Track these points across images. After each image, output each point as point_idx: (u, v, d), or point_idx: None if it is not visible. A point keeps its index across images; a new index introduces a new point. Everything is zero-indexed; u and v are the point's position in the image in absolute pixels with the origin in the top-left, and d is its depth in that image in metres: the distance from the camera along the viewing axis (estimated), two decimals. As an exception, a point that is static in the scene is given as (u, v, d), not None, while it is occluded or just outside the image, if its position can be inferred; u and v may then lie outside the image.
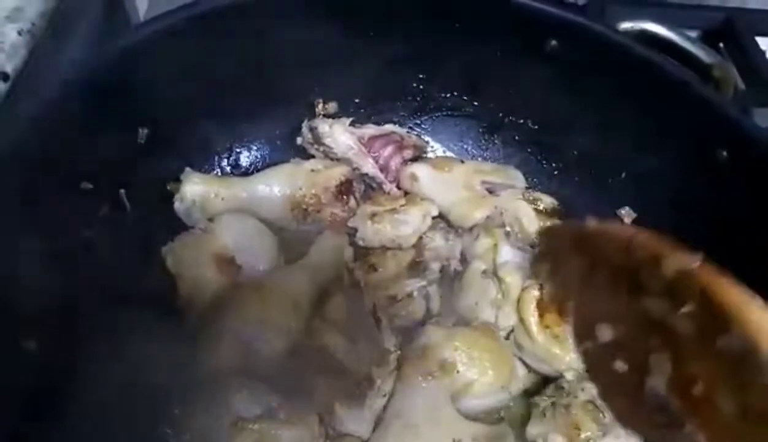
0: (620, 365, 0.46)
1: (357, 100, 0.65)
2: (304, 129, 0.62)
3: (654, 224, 0.57)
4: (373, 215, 0.59)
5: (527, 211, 0.58)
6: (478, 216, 0.60)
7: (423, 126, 0.68)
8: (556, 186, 0.65)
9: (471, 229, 0.60)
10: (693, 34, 0.85)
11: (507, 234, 0.58)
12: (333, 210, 0.60)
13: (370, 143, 0.62)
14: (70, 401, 0.45)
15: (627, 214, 0.60)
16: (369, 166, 0.62)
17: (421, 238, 0.60)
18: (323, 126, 0.61)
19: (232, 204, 0.59)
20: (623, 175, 0.60)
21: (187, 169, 0.58)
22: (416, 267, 0.58)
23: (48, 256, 0.46)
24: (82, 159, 0.49)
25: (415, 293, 0.57)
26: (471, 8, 0.59)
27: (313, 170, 0.60)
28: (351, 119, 0.62)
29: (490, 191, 0.61)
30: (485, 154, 0.68)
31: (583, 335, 0.50)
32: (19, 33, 0.64)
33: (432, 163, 0.64)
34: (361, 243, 0.59)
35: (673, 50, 0.66)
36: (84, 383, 0.46)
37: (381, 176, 0.62)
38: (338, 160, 0.61)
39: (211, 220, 0.58)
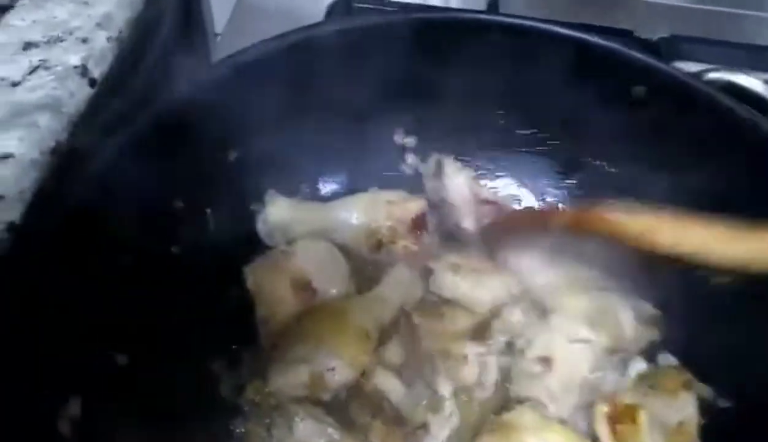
0: None
1: (433, 132, 0.65)
2: (432, 160, 0.63)
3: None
4: (455, 267, 0.58)
5: (629, 315, 0.56)
6: (577, 302, 0.57)
7: (499, 161, 0.68)
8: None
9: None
10: (766, 75, 0.84)
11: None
12: (406, 242, 0.60)
13: (481, 203, 0.62)
14: (144, 409, 0.46)
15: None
16: (469, 222, 0.61)
17: (499, 307, 0.58)
18: (451, 166, 0.62)
19: (312, 228, 0.60)
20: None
21: (272, 191, 0.59)
22: (481, 332, 0.57)
23: (135, 269, 0.48)
24: (174, 176, 0.50)
25: (471, 358, 0.55)
26: (558, 50, 0.59)
27: (390, 202, 0.60)
28: (479, 172, 0.64)
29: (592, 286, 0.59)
30: (557, 194, 0.68)
31: None
32: (108, 40, 0.66)
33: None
34: (432, 288, 0.59)
35: (755, 100, 0.65)
36: (152, 394, 0.47)
37: (475, 235, 0.61)
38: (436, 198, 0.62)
39: (290, 242, 0.58)
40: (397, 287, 0.58)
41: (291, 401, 0.50)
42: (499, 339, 0.57)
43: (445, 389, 0.52)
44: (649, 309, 0.58)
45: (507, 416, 0.51)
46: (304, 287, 0.56)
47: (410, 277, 0.59)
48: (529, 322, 0.58)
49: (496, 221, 0.60)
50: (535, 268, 0.60)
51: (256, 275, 0.56)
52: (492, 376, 0.56)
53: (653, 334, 0.57)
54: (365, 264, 0.60)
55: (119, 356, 0.45)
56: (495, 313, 0.58)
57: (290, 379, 0.51)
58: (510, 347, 0.57)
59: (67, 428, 0.40)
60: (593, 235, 0.50)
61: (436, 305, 0.59)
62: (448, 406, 0.51)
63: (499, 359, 0.56)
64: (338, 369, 0.51)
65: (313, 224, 0.60)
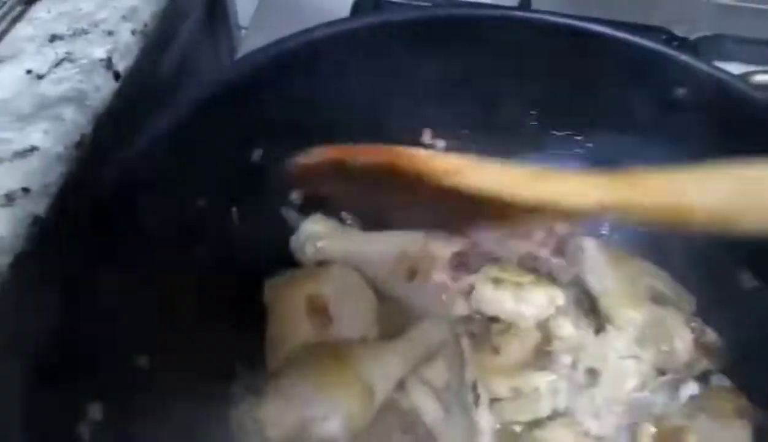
0: None
1: (466, 131, 0.63)
2: None
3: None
4: (496, 280, 0.56)
5: (687, 339, 0.53)
6: (633, 315, 0.54)
7: (530, 164, 0.65)
8: (669, 243, 0.60)
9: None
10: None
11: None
12: (443, 277, 0.56)
13: None
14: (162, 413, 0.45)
15: (747, 279, 0.56)
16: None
17: (548, 322, 0.56)
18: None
19: (346, 251, 0.58)
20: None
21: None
22: (545, 357, 0.54)
23: (158, 269, 0.47)
24: (201, 175, 0.49)
25: (542, 388, 0.52)
26: (596, 48, 0.57)
27: (431, 239, 0.57)
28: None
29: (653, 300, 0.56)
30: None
31: None
32: (133, 33, 0.66)
33: (604, 245, 0.59)
34: (474, 306, 0.56)
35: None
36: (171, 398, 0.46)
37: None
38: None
39: (321, 262, 0.57)
40: (418, 345, 0.54)
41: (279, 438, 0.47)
42: (564, 360, 0.54)
43: (484, 419, 0.50)
44: (710, 335, 0.55)
45: (539, 433, 0.49)
46: (319, 309, 0.53)
47: (443, 331, 0.55)
48: (582, 333, 0.55)
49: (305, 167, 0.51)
50: (598, 272, 0.57)
51: (273, 289, 0.55)
52: (563, 400, 0.53)
53: (710, 363, 0.55)
54: (396, 312, 0.57)
55: (140, 357, 0.44)
56: (544, 329, 0.55)
57: (279, 416, 0.48)
58: (575, 365, 0.54)
59: (87, 433, 0.39)
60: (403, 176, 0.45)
61: (488, 337, 0.55)
62: (486, 437, 0.49)
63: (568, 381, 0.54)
64: (330, 421, 0.47)
65: (348, 247, 0.58)
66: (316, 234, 0.58)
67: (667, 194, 0.38)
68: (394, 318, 0.56)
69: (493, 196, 0.41)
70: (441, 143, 0.63)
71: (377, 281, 0.58)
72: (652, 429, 0.50)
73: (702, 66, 0.55)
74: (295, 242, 0.58)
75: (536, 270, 0.59)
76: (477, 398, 0.51)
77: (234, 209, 0.54)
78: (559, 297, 0.56)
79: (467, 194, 0.41)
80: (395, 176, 0.45)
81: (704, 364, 0.55)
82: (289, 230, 0.58)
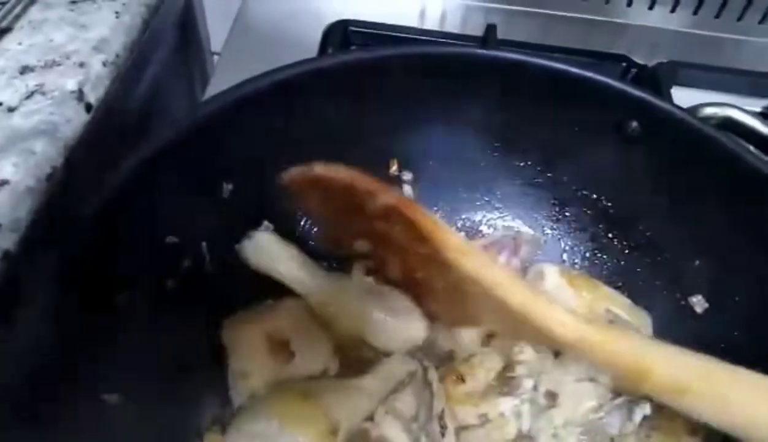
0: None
1: (431, 163, 0.65)
2: None
3: (726, 316, 0.57)
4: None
5: None
6: None
7: (494, 193, 0.68)
8: (626, 266, 0.64)
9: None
10: (765, 101, 0.85)
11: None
12: None
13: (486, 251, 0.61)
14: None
15: (698, 303, 0.58)
16: None
17: (510, 349, 0.57)
18: None
19: (295, 262, 0.58)
20: (697, 263, 0.59)
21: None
22: (509, 383, 0.55)
23: (132, 305, 0.48)
24: (169, 211, 0.50)
25: (507, 413, 0.54)
26: (552, 83, 0.59)
27: None
28: (476, 204, 0.65)
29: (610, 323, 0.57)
30: (555, 226, 0.68)
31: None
32: (104, 64, 0.66)
33: (565, 271, 0.62)
34: (447, 347, 0.57)
35: (752, 134, 0.65)
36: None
37: None
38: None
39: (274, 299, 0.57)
40: (384, 382, 0.54)
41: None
42: (526, 385, 0.55)
43: None
44: None
45: None
46: (281, 346, 0.54)
47: (409, 368, 0.56)
48: (542, 357, 0.56)
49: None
50: (557, 296, 0.58)
51: (232, 327, 0.55)
52: (527, 423, 0.54)
53: None
54: (352, 346, 0.57)
55: (111, 395, 0.45)
56: (506, 355, 0.56)
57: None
58: (537, 388, 0.56)
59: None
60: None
61: (454, 367, 0.56)
62: None
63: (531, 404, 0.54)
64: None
65: (296, 258, 0.58)
66: (266, 243, 0.57)
67: (633, 357, 0.43)
68: (351, 353, 0.57)
69: (477, 286, 0.42)
70: (408, 175, 0.65)
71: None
72: None
73: (652, 100, 0.57)
74: (247, 245, 0.57)
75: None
76: (444, 427, 0.51)
77: (204, 244, 0.55)
78: None
79: (452, 272, 0.42)
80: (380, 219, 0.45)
81: None
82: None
